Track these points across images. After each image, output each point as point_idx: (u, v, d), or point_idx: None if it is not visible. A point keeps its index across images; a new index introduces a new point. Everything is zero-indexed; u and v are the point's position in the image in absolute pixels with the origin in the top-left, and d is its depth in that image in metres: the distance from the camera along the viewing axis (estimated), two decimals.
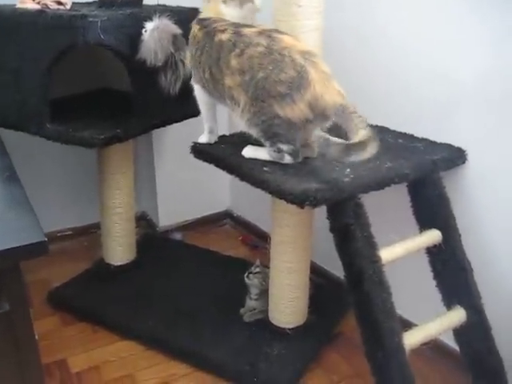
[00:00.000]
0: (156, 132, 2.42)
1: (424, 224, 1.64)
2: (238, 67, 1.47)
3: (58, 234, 2.58)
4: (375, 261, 1.42)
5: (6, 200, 1.31)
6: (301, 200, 1.34)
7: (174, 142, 2.56)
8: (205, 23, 1.62)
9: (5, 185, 1.40)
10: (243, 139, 1.66)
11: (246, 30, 1.50)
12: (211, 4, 1.66)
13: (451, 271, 1.64)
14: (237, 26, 1.54)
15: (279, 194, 1.40)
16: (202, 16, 1.68)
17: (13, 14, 1.83)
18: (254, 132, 1.53)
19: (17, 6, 1.89)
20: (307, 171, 1.49)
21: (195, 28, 1.65)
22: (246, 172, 1.52)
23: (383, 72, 1.89)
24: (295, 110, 1.42)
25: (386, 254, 1.46)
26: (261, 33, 1.48)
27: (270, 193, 1.43)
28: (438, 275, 1.67)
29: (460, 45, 1.64)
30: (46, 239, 1.08)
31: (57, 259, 2.41)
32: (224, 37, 1.52)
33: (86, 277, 2.28)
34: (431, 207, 1.63)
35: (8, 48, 1.84)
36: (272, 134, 1.49)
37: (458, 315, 1.63)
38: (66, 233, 2.62)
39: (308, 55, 1.44)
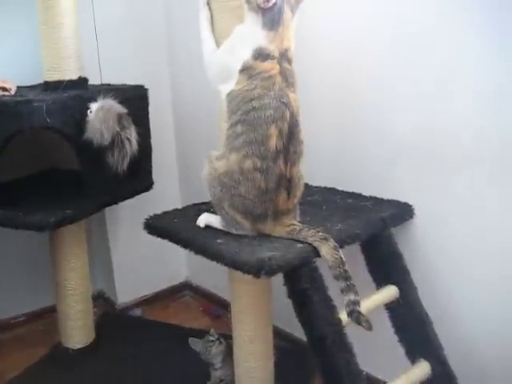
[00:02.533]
0: (108, 208, 2.41)
1: (380, 281, 1.66)
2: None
3: (12, 322, 2.50)
4: (335, 324, 1.43)
5: None
6: (256, 270, 1.34)
7: (126, 217, 2.55)
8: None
9: None
10: (196, 212, 1.68)
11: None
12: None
13: (411, 325, 1.65)
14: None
15: (234, 265, 1.41)
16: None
17: None
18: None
19: None
20: (260, 240, 1.50)
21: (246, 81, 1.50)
22: (200, 245, 1.52)
23: (328, 132, 1.95)
24: None
25: (346, 315, 1.46)
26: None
27: (226, 264, 1.44)
28: (398, 330, 1.68)
29: (395, 102, 1.72)
30: None
31: (11, 348, 2.34)
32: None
33: (42, 365, 2.19)
34: (385, 264, 1.66)
35: None
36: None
37: (423, 368, 1.64)
38: (20, 319, 2.53)
39: None
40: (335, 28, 1.85)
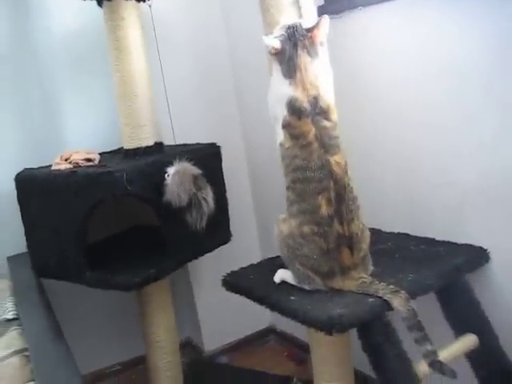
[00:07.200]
0: None
1: (458, 330, 1.63)
2: None
3: (107, 371, 2.63)
4: (411, 378, 1.42)
5: (52, 360, 1.40)
6: (327, 327, 1.37)
7: (208, 265, 2.63)
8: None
9: (51, 344, 1.50)
10: (271, 266, 1.73)
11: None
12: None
13: (495, 375, 1.61)
14: None
15: (307, 322, 1.44)
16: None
17: (47, 177, 2.00)
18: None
19: (52, 168, 2.07)
20: (332, 296, 1.52)
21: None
22: (274, 303, 1.58)
23: (394, 178, 1.97)
24: None
25: (423, 367, 1.45)
26: None
27: (299, 322, 1.47)
28: (483, 380, 1.64)
29: (458, 149, 1.72)
30: None
31: None
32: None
33: None
34: (462, 312, 1.63)
35: (45, 207, 2.00)
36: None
37: None
38: (115, 368, 2.66)
39: None
40: (394, 78, 1.88)
